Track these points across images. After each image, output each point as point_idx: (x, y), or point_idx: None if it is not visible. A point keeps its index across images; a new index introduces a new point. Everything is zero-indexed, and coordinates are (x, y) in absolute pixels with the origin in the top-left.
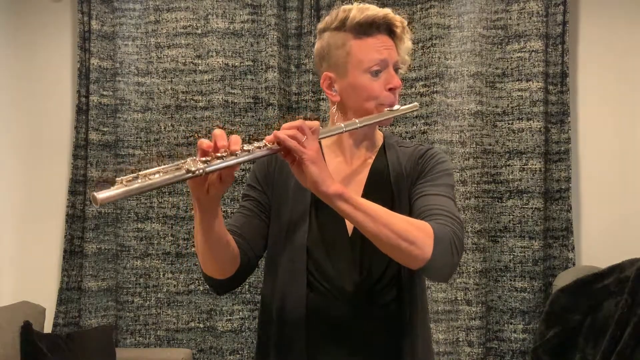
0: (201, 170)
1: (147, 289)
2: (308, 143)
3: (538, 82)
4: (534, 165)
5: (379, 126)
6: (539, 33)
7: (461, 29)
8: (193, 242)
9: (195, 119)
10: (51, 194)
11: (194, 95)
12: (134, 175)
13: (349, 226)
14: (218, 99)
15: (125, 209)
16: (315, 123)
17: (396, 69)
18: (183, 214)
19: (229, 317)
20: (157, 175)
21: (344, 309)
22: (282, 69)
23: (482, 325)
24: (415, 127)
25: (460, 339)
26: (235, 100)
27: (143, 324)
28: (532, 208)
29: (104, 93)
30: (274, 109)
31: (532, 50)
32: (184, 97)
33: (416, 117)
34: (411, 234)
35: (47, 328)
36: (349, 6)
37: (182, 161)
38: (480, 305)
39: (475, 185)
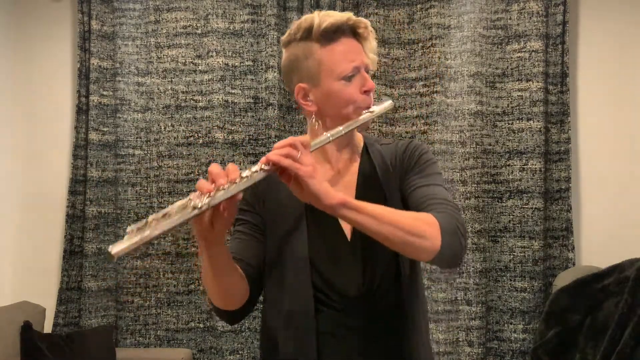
0: (206, 205)
1: (147, 289)
2: (303, 159)
3: (538, 82)
4: (534, 165)
5: (360, 129)
6: (539, 33)
7: (461, 29)
8: (193, 242)
9: (195, 119)
10: (51, 194)
11: (194, 95)
12: (143, 222)
13: (347, 231)
14: (218, 99)
15: (125, 208)
16: (306, 138)
17: (367, 71)
18: None
19: None
20: (165, 219)
21: (350, 315)
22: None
23: (482, 325)
24: (415, 127)
25: (460, 339)
26: (235, 100)
27: (143, 324)
28: (532, 208)
29: (104, 93)
30: (274, 109)
31: (532, 50)
32: (184, 97)
33: (416, 117)
34: (419, 228)
35: (47, 328)
36: (310, 15)
37: (187, 199)
38: (480, 305)
39: (475, 185)
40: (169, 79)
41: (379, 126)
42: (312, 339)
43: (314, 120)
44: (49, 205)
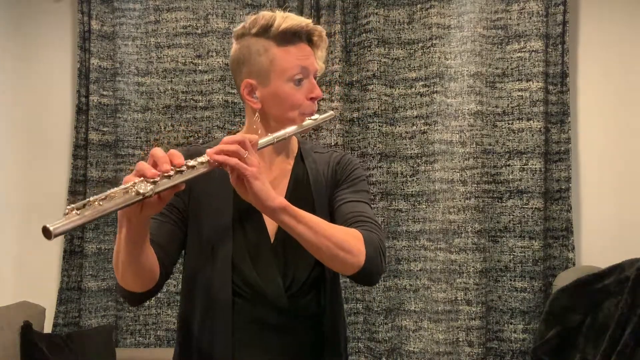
0: (150, 192)
1: None
2: (249, 159)
3: (538, 82)
4: (534, 165)
5: (300, 134)
6: (539, 33)
7: (461, 29)
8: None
9: (195, 119)
10: (51, 194)
11: (194, 95)
12: (84, 202)
13: (271, 234)
14: (218, 99)
15: None
16: (254, 137)
17: (315, 77)
18: None
19: None
20: (106, 201)
21: (269, 313)
22: None
23: (482, 325)
24: (415, 127)
25: (460, 339)
26: (235, 100)
27: (143, 324)
28: (532, 208)
29: (104, 93)
30: None
31: (532, 50)
32: (184, 97)
33: (416, 117)
34: (348, 244)
35: (47, 328)
36: (269, 13)
37: (131, 184)
38: (480, 305)
39: (475, 185)
40: (169, 79)
41: (379, 126)
42: (228, 332)
43: (256, 118)
44: (49, 205)
